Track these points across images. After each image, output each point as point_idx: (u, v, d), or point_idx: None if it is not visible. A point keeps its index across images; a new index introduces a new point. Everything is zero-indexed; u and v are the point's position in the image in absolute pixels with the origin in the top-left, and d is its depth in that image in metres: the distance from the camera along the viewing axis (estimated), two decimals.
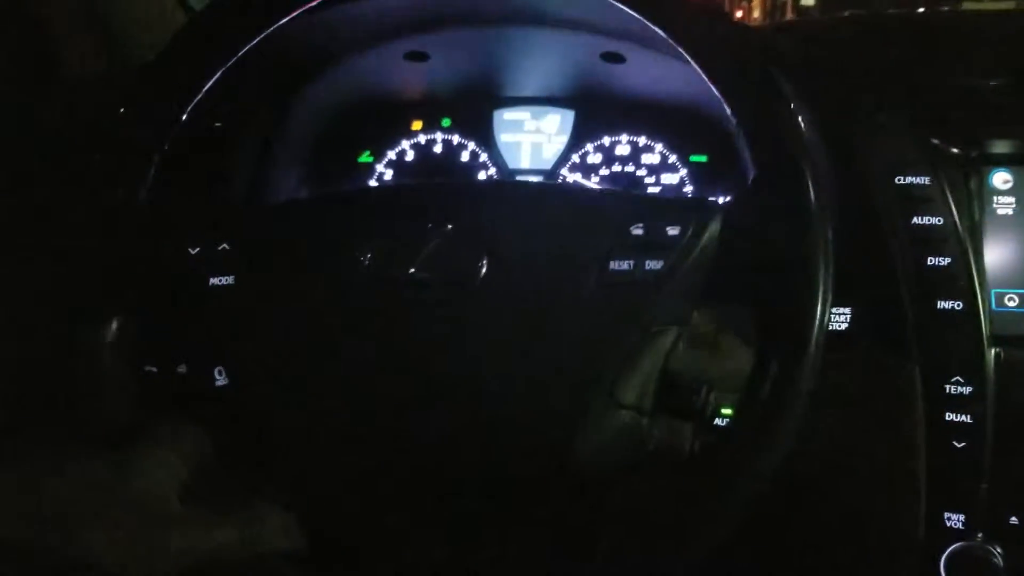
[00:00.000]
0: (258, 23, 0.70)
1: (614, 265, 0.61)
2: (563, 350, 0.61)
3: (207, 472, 0.60)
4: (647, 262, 0.61)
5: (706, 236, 0.61)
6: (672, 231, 0.61)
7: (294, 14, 0.69)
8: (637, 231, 0.62)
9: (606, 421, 0.63)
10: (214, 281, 0.66)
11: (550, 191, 0.67)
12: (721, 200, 0.63)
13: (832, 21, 0.96)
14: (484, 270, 0.62)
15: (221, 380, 0.67)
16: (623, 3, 0.64)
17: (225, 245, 0.67)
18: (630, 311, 0.61)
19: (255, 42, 0.71)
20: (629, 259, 0.61)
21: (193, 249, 0.67)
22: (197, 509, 0.55)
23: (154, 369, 0.68)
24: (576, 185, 1.05)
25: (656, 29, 0.63)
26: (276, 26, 0.70)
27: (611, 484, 0.63)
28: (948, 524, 0.75)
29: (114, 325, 0.68)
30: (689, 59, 0.63)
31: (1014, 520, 0.75)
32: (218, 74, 0.70)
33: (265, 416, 0.67)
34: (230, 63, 0.70)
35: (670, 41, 0.63)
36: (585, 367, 0.62)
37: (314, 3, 0.69)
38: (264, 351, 0.66)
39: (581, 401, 0.62)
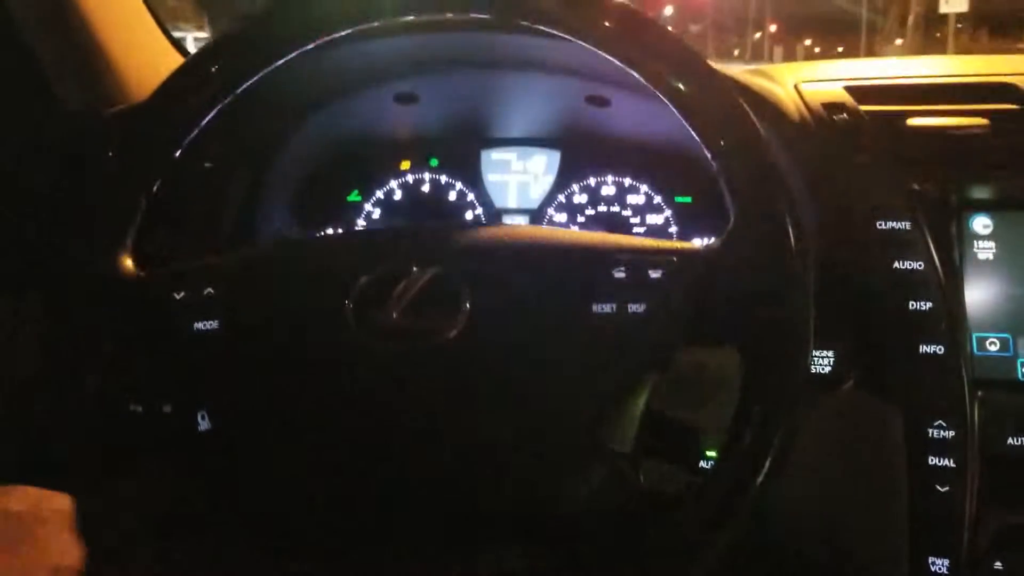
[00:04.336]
0: (251, 66, 0.70)
1: (597, 308, 0.61)
2: (546, 394, 0.61)
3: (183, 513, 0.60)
4: (630, 305, 0.61)
5: (688, 279, 0.61)
6: (654, 274, 0.61)
7: (287, 58, 0.70)
8: (619, 274, 0.62)
9: (591, 465, 0.63)
10: (198, 326, 0.66)
11: (534, 234, 0.67)
12: (703, 243, 0.63)
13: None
14: (467, 314, 0.62)
15: (204, 424, 0.66)
16: (610, 55, 0.64)
17: (210, 290, 0.67)
18: (613, 354, 0.61)
19: (247, 85, 0.71)
20: (612, 302, 0.61)
21: (178, 294, 0.66)
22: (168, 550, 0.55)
23: (139, 409, 0.68)
24: (559, 228, 1.06)
25: (638, 76, 0.64)
26: (269, 69, 0.71)
27: (597, 528, 0.63)
28: (932, 569, 0.75)
29: (99, 368, 0.67)
30: (672, 109, 0.63)
31: (999, 565, 0.74)
32: (209, 117, 0.70)
33: (247, 461, 0.67)
34: (222, 105, 0.71)
35: (652, 88, 0.64)
36: (569, 411, 0.62)
37: (306, 48, 0.69)
38: (247, 397, 0.66)
39: (565, 445, 0.62)
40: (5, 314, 0.99)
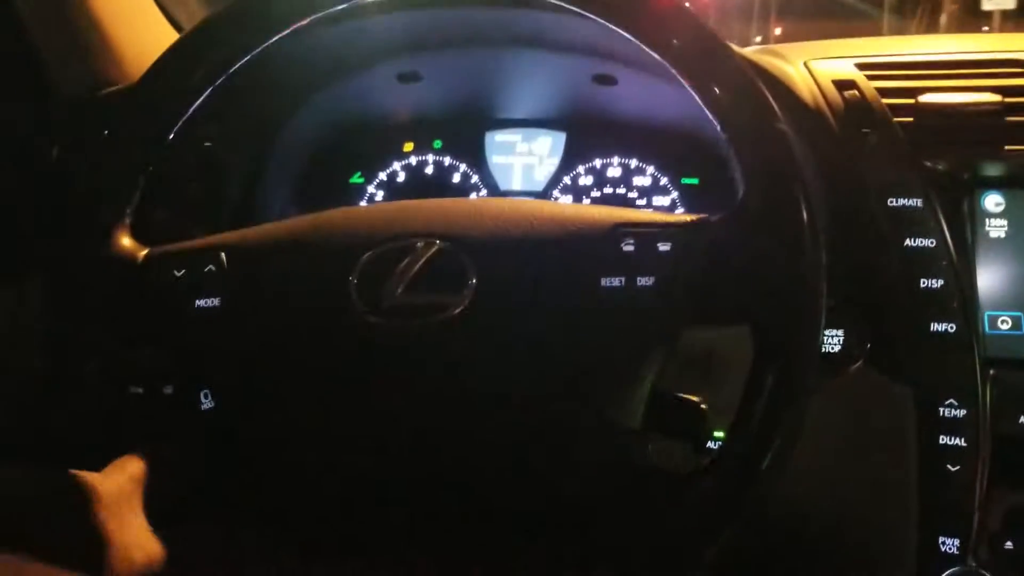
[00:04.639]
0: (246, 44, 0.69)
1: (605, 282, 0.60)
2: (554, 369, 0.61)
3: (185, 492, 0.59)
4: (639, 279, 0.60)
5: (697, 253, 0.60)
6: (663, 247, 0.60)
7: (282, 34, 0.69)
8: (628, 247, 0.61)
9: (598, 441, 0.62)
10: (200, 303, 0.65)
11: (540, 208, 0.66)
12: (713, 217, 0.62)
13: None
14: (473, 290, 0.61)
15: (207, 403, 0.65)
16: (620, 27, 0.63)
17: (211, 267, 0.66)
18: (622, 329, 0.60)
19: (244, 62, 0.70)
20: (620, 276, 0.60)
21: (178, 271, 0.66)
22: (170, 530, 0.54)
23: (140, 390, 0.67)
24: (566, 202, 1.05)
25: (650, 51, 0.63)
26: (266, 46, 0.70)
27: (604, 505, 0.63)
28: (942, 549, 0.74)
29: (101, 350, 0.67)
30: (682, 80, 0.62)
31: (1009, 545, 0.74)
32: (205, 95, 0.69)
33: (249, 440, 0.66)
34: (217, 83, 0.70)
35: (664, 63, 0.63)
36: (577, 386, 0.61)
37: (302, 23, 0.68)
38: (250, 375, 0.65)
39: (573, 420, 0.61)
40: (7, 300, 0.99)
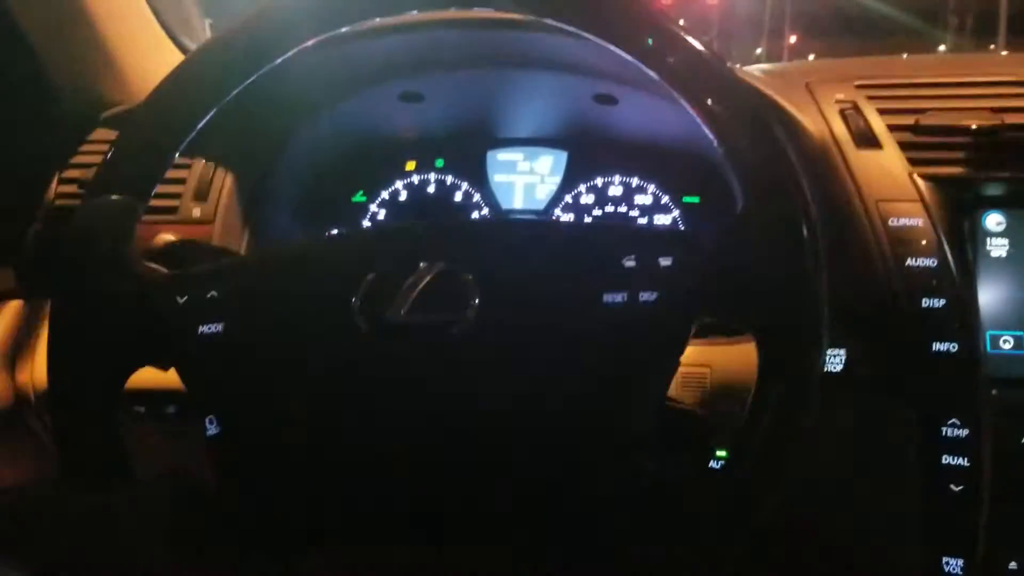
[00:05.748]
0: (250, 65, 0.69)
1: (607, 298, 0.60)
2: (557, 385, 0.61)
3: (193, 512, 0.59)
4: (641, 294, 0.60)
5: (698, 267, 0.60)
6: (664, 262, 0.60)
7: (286, 56, 0.69)
8: (629, 263, 0.61)
9: (600, 456, 0.62)
10: (203, 329, 0.65)
11: (541, 227, 0.66)
12: (713, 232, 0.62)
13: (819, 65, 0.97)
14: (477, 308, 0.61)
15: (212, 429, 0.65)
16: (617, 47, 0.64)
17: (214, 292, 0.65)
18: (625, 344, 0.60)
19: (247, 83, 0.70)
20: (622, 292, 0.60)
21: (182, 297, 0.65)
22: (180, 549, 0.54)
23: (142, 409, 0.67)
24: (567, 221, 1.05)
25: (647, 70, 0.63)
26: (269, 67, 0.70)
27: (606, 519, 0.62)
28: (946, 569, 0.74)
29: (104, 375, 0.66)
30: (678, 97, 0.62)
31: (1013, 565, 0.74)
32: (208, 117, 0.69)
33: (256, 465, 0.65)
34: (220, 106, 0.70)
35: (662, 82, 0.63)
36: (580, 402, 0.61)
37: (306, 45, 0.69)
38: (256, 400, 0.65)
39: (575, 436, 0.61)
40: (9, 321, 0.99)
